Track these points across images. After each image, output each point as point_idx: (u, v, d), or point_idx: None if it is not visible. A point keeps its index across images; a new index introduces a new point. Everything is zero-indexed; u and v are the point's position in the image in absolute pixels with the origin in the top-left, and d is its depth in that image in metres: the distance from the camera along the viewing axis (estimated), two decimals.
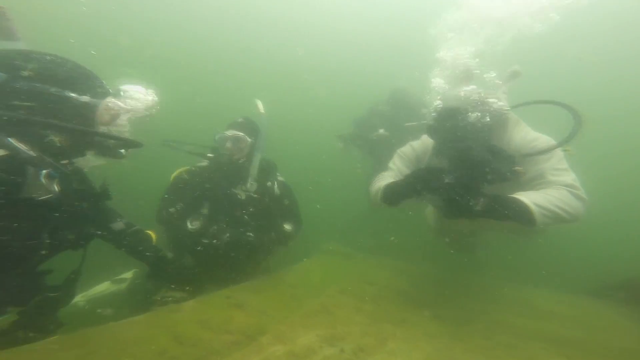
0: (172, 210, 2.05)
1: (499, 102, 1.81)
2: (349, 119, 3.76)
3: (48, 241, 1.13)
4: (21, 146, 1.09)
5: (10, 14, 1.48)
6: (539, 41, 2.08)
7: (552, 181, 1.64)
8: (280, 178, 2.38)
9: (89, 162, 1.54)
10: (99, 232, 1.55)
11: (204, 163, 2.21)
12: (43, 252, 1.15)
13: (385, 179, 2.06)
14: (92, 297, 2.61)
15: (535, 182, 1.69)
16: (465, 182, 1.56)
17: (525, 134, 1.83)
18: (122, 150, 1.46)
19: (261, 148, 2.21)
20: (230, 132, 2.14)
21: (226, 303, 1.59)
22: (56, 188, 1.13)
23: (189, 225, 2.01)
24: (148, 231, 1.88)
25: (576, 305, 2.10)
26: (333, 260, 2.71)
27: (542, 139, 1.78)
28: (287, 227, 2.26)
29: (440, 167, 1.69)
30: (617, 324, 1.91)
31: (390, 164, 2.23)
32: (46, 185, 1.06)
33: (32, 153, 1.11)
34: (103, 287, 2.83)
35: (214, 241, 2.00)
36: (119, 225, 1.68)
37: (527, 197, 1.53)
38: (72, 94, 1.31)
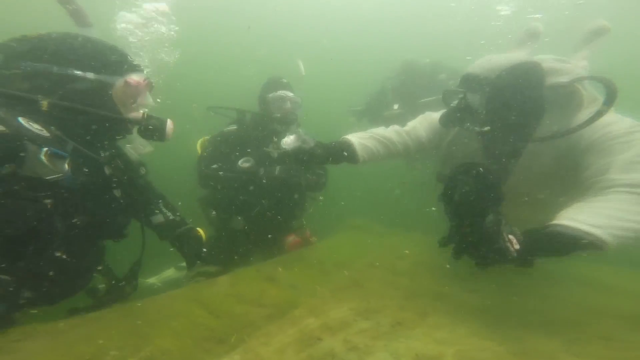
0: (214, 166, 2.14)
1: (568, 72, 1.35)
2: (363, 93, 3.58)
3: (60, 225, 1.06)
4: (31, 125, 1.02)
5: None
6: None
7: (616, 181, 1.11)
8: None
9: (140, 148, 1.47)
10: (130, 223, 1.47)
11: (233, 127, 2.32)
12: (55, 237, 1.07)
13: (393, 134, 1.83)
14: (165, 279, 2.79)
15: (594, 181, 1.18)
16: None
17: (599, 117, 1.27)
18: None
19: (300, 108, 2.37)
20: (284, 93, 2.25)
21: (258, 277, 1.56)
22: (67, 168, 1.05)
23: (240, 164, 2.14)
24: (199, 230, 1.83)
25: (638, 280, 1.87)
26: (360, 235, 2.61)
27: (620, 125, 1.23)
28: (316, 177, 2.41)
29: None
30: None
31: (411, 123, 1.94)
32: (49, 164, 0.98)
33: (42, 133, 1.04)
34: (170, 272, 3.00)
35: (264, 180, 2.13)
36: (158, 218, 1.63)
37: (578, 216, 1.04)
38: (77, 72, 1.21)
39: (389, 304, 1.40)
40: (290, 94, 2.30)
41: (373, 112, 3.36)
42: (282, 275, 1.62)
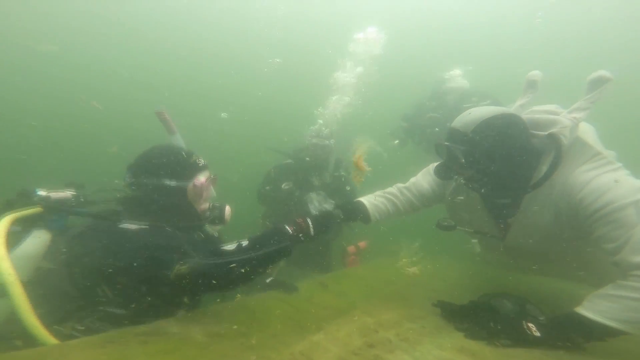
0: (267, 188, 2.97)
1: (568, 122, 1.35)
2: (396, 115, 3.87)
3: None
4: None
5: (166, 114, 1.93)
6: None
7: (632, 265, 1.11)
8: (343, 173, 3.24)
9: (212, 229, 1.72)
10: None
11: (289, 161, 3.13)
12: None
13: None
14: None
15: (614, 261, 1.18)
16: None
17: (587, 176, 1.27)
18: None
19: (336, 151, 3.14)
20: (318, 141, 3.04)
21: (318, 286, 1.88)
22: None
23: (282, 186, 2.91)
24: None
25: None
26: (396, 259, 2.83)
27: (624, 189, 1.19)
28: None
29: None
30: None
31: (413, 179, 2.02)
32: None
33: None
34: None
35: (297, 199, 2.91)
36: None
37: (598, 308, 1.14)
38: (166, 182, 1.42)
39: (431, 314, 1.62)
40: (324, 142, 3.03)
41: (414, 129, 3.59)
42: (333, 286, 1.93)
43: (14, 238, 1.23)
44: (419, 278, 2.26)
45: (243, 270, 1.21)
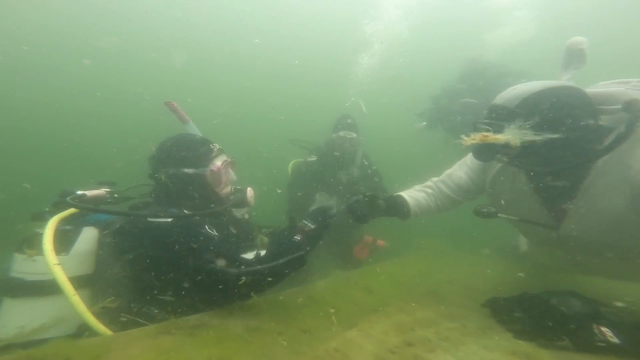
0: (299, 194, 2.76)
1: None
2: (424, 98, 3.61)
3: None
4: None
5: (175, 104, 1.96)
6: None
7: None
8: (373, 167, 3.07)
9: (238, 212, 1.76)
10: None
11: (314, 158, 2.95)
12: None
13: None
14: None
15: None
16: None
17: None
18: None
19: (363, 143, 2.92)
20: (345, 134, 2.79)
21: (348, 283, 1.83)
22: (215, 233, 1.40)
23: (316, 196, 2.75)
24: None
25: None
26: (431, 256, 2.70)
27: None
28: None
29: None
30: None
31: (447, 171, 1.91)
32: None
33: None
34: None
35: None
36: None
37: None
38: (184, 170, 1.46)
39: (472, 313, 1.51)
40: (348, 135, 2.78)
41: (447, 119, 3.28)
42: (365, 282, 1.87)
43: (65, 237, 1.30)
44: (456, 275, 2.13)
45: (258, 280, 1.23)
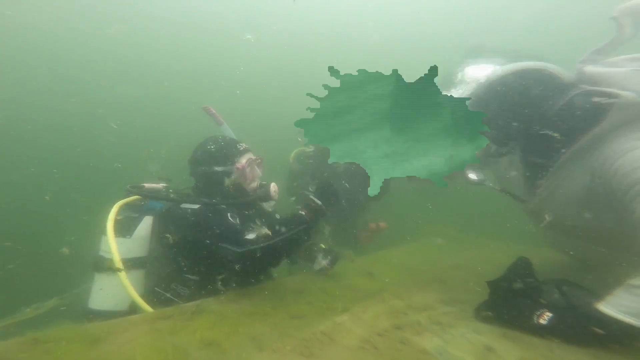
0: (295, 184, 2.97)
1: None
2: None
3: None
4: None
5: (212, 108, 2.18)
6: None
7: None
8: None
9: (267, 206, 1.87)
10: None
11: (311, 148, 3.13)
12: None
13: None
14: None
15: None
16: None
17: (632, 145, 1.08)
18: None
19: None
20: None
21: (350, 269, 1.85)
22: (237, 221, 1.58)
23: (310, 188, 2.80)
24: None
25: None
26: (440, 242, 2.64)
27: None
28: None
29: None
30: None
31: None
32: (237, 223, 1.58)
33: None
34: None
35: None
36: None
37: (619, 302, 0.97)
38: (215, 168, 1.66)
39: (475, 298, 1.47)
40: None
41: None
42: (368, 269, 1.88)
43: (130, 222, 1.57)
44: (464, 261, 2.08)
45: (268, 254, 1.39)
